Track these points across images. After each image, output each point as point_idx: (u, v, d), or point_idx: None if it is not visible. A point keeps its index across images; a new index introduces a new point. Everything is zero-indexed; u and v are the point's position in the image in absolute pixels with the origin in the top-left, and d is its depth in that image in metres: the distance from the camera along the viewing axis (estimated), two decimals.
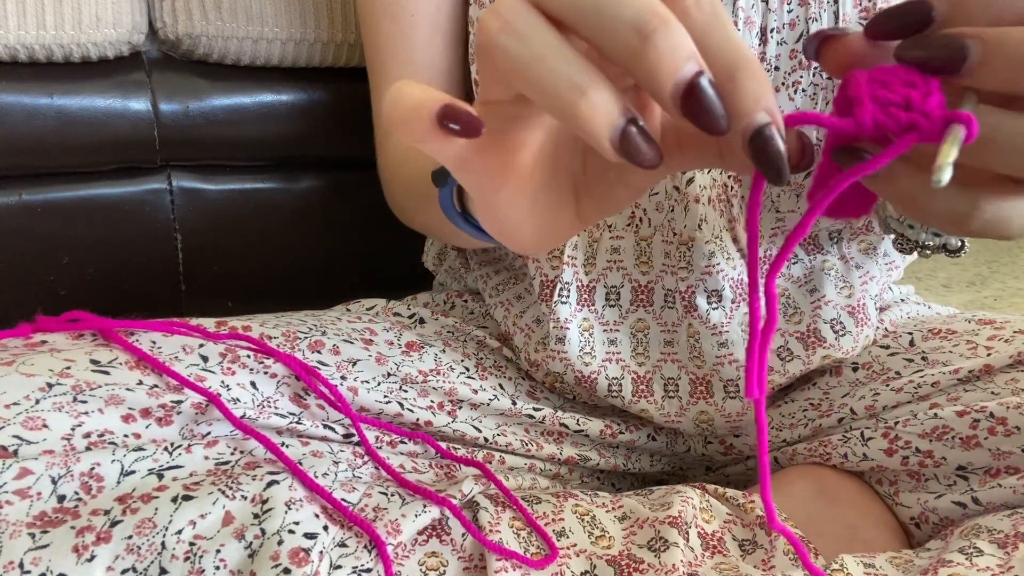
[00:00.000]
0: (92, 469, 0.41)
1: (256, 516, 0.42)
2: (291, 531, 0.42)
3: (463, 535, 0.48)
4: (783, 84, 0.57)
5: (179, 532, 0.40)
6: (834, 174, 0.31)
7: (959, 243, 0.54)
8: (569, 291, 0.62)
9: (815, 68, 0.57)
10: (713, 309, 0.59)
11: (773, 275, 0.33)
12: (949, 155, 0.28)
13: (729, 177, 0.59)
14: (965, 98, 0.31)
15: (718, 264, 0.59)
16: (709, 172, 0.58)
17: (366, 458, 0.53)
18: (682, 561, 0.48)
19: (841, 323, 0.62)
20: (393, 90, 0.30)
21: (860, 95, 0.30)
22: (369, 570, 0.43)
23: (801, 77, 0.57)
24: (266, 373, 0.52)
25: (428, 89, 0.30)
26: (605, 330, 0.63)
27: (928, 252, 0.57)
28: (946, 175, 0.28)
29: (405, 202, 0.69)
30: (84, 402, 0.44)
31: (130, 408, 0.45)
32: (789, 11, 0.56)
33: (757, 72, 0.28)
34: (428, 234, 0.70)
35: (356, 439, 0.53)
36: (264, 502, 0.43)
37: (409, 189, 0.66)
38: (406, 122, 0.29)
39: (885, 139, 0.30)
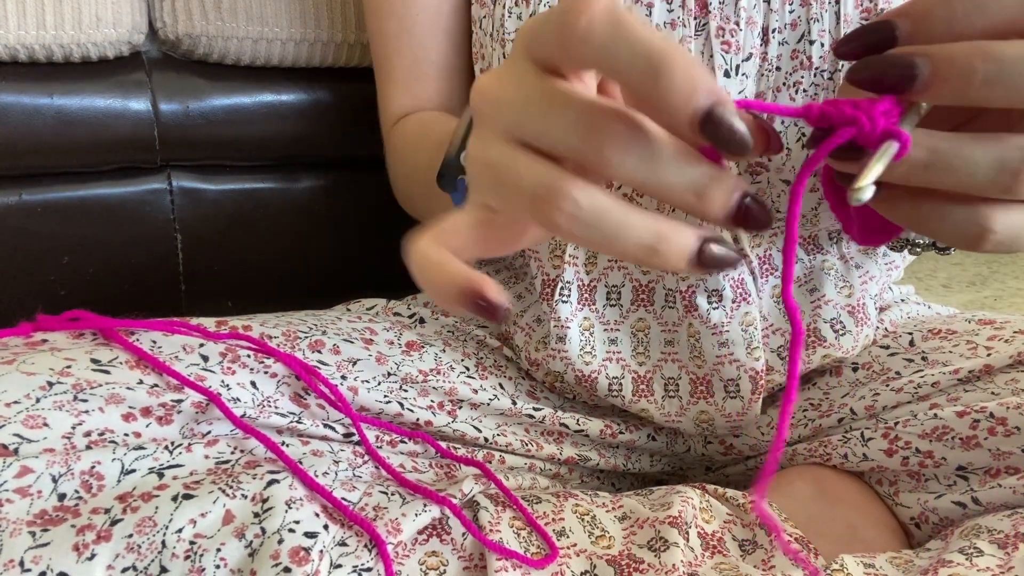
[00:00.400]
0: (92, 468, 0.41)
1: (256, 515, 0.42)
2: (291, 530, 0.42)
3: (463, 534, 0.48)
4: (784, 84, 0.57)
5: (179, 531, 0.40)
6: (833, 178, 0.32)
7: None
8: (570, 290, 0.62)
9: (816, 68, 0.57)
10: (714, 309, 0.59)
11: (788, 289, 0.33)
12: (870, 175, 0.30)
13: None
14: (907, 116, 0.32)
15: None
16: None
17: (366, 457, 0.53)
18: (682, 561, 0.48)
19: (841, 322, 0.63)
20: (418, 255, 0.32)
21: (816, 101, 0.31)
22: (369, 569, 0.43)
23: (802, 77, 0.57)
24: (266, 372, 0.52)
25: (453, 261, 0.31)
26: (606, 329, 0.63)
27: (919, 250, 0.57)
28: (866, 194, 0.30)
29: (410, 191, 0.70)
30: (84, 401, 0.44)
31: (130, 407, 0.45)
32: (791, 11, 0.56)
33: (680, 63, 0.28)
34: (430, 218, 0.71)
35: (356, 438, 0.53)
36: (264, 501, 0.43)
37: (414, 179, 0.67)
38: (436, 293, 0.31)
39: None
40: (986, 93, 0.30)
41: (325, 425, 0.52)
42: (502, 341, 0.66)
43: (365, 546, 0.44)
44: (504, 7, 0.59)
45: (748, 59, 0.56)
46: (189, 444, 0.45)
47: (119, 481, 0.42)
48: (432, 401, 0.58)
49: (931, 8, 0.31)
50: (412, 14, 0.69)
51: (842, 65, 0.56)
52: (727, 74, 0.56)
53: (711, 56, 0.56)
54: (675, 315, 0.61)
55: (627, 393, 0.62)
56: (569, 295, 0.62)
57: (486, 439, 0.59)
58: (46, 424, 0.42)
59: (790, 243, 0.32)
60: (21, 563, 0.37)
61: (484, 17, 0.62)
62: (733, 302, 0.60)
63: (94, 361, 0.47)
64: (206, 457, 0.45)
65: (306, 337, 0.56)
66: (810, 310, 0.63)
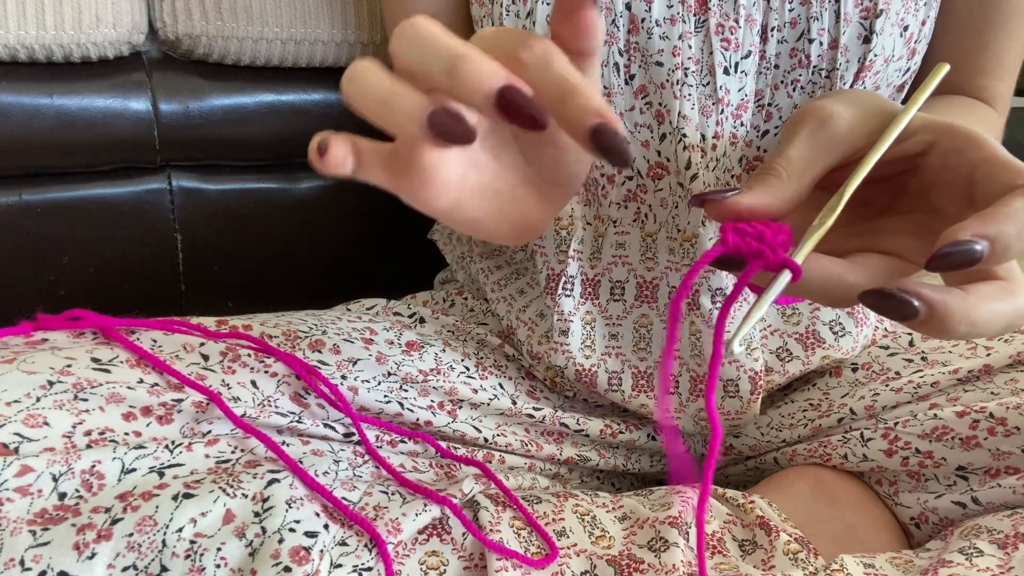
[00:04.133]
0: (93, 467, 0.41)
1: (257, 514, 0.42)
2: (292, 529, 0.42)
3: (463, 534, 0.48)
4: (782, 82, 0.58)
5: (180, 530, 0.40)
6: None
7: None
8: (573, 284, 0.62)
9: (814, 67, 0.57)
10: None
11: (711, 398, 0.38)
12: (745, 329, 0.37)
13: (733, 177, 0.60)
14: (803, 242, 0.40)
15: None
16: (713, 170, 0.58)
17: (366, 457, 0.53)
18: (682, 561, 0.48)
19: (840, 324, 0.63)
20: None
21: (725, 227, 0.39)
22: (369, 569, 0.43)
23: (800, 75, 0.57)
24: (266, 372, 0.52)
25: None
26: (607, 324, 0.63)
27: None
28: (736, 348, 0.38)
29: None
30: (85, 400, 0.44)
31: (131, 406, 0.45)
32: (791, 9, 0.56)
33: (585, 91, 0.33)
34: None
35: (356, 438, 0.53)
36: (265, 500, 0.43)
37: None
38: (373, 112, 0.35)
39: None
40: None
41: (325, 425, 0.52)
42: (502, 339, 0.66)
43: (365, 546, 0.44)
44: (502, 6, 0.59)
45: (747, 56, 0.57)
46: (189, 443, 0.45)
47: (119, 480, 0.42)
48: (432, 401, 0.58)
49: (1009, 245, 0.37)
50: (415, 12, 0.70)
51: (839, 64, 0.56)
52: (726, 71, 0.57)
53: (711, 53, 0.56)
54: None
55: (626, 388, 0.63)
56: (572, 289, 0.62)
57: (486, 439, 0.59)
58: (46, 423, 0.42)
59: (715, 358, 0.38)
60: (22, 562, 0.37)
61: (484, 17, 0.63)
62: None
63: (94, 360, 0.47)
64: (206, 456, 0.45)
65: (306, 337, 0.56)
66: (808, 312, 0.63)
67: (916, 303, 0.36)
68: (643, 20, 0.56)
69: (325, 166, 0.36)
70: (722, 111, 0.57)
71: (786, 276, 0.38)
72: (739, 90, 0.57)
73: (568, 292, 0.62)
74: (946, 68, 0.47)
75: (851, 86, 0.57)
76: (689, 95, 0.57)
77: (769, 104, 0.58)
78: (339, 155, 0.36)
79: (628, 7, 0.56)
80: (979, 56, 0.65)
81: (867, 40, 0.56)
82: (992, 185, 0.39)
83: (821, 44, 0.56)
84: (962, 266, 0.36)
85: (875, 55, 0.56)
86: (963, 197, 0.41)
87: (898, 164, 0.44)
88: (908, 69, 0.61)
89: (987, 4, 0.63)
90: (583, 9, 0.35)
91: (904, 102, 0.64)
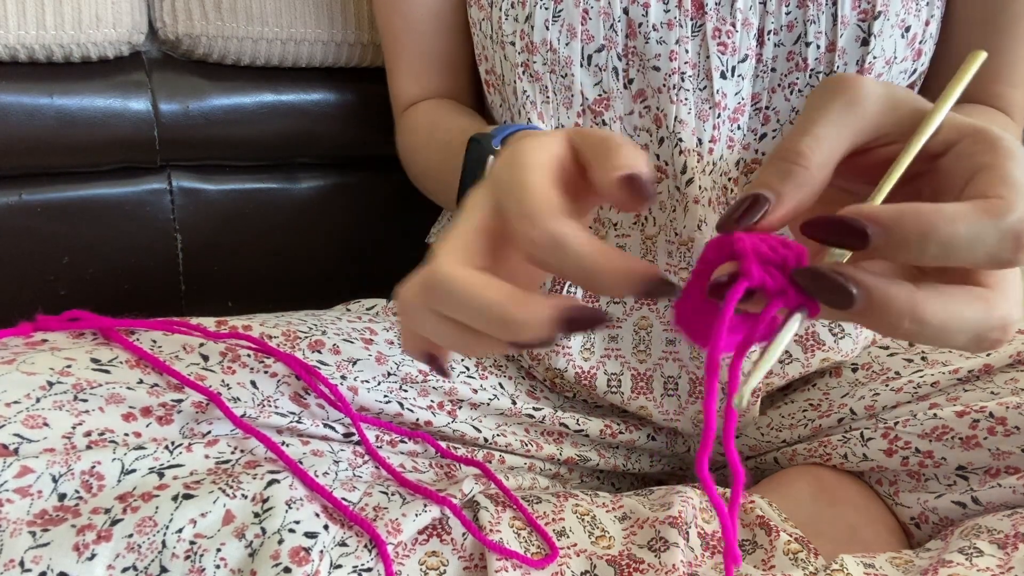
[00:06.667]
0: (93, 468, 0.41)
1: (257, 515, 0.42)
2: (291, 530, 0.42)
3: (463, 535, 0.48)
4: (779, 85, 0.58)
5: (180, 531, 0.40)
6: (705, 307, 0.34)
7: None
8: (576, 286, 0.62)
9: (811, 70, 0.57)
10: None
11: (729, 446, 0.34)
12: (755, 380, 0.32)
13: (729, 180, 0.60)
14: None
15: None
16: (710, 174, 0.58)
17: (366, 457, 0.53)
18: (682, 561, 0.48)
19: (840, 326, 0.63)
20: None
21: (746, 252, 0.33)
22: (369, 569, 0.43)
23: (797, 79, 0.57)
24: (266, 372, 0.52)
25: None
26: (607, 326, 0.63)
27: None
28: (745, 402, 0.32)
29: (425, 184, 0.73)
30: (85, 401, 0.44)
31: (131, 407, 0.45)
32: (787, 13, 0.56)
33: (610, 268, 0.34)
34: (437, 200, 0.73)
35: (356, 438, 0.53)
36: (264, 501, 0.43)
37: (428, 175, 0.70)
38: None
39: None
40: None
41: (325, 425, 0.52)
42: None
43: (365, 546, 0.44)
44: (501, 10, 0.59)
45: (744, 60, 0.57)
46: (189, 444, 0.45)
47: (119, 481, 0.42)
48: (432, 401, 0.58)
49: (909, 242, 0.32)
50: (415, 11, 0.70)
51: (837, 68, 0.56)
52: (723, 75, 0.57)
53: (707, 57, 0.56)
54: None
55: (625, 390, 0.62)
56: (575, 290, 0.62)
57: (486, 439, 0.59)
58: (46, 424, 0.42)
59: (710, 397, 0.33)
60: (21, 563, 0.37)
61: (483, 20, 0.63)
62: None
63: (94, 361, 0.47)
64: (206, 457, 0.45)
65: (306, 337, 0.56)
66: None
67: (853, 289, 0.31)
68: (640, 25, 0.56)
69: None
70: (719, 115, 0.57)
71: (798, 317, 0.33)
72: (736, 94, 0.57)
73: (570, 294, 0.62)
74: (982, 56, 0.41)
75: None
76: (686, 99, 0.57)
77: (766, 108, 0.58)
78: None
79: (626, 12, 0.56)
80: (991, 60, 0.63)
81: (865, 43, 0.56)
82: (973, 193, 0.34)
83: (818, 47, 0.56)
84: (831, 241, 0.33)
85: (874, 57, 0.56)
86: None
87: (915, 165, 0.38)
88: (915, 71, 0.60)
89: (993, 5, 0.62)
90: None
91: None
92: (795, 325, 0.33)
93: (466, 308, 0.34)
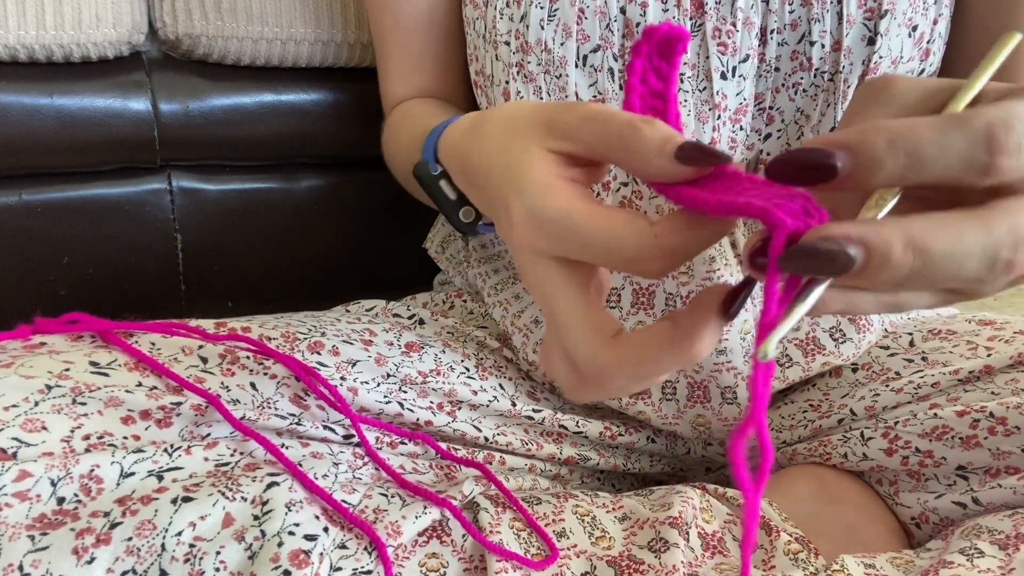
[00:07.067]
0: (91, 471, 0.41)
1: (256, 518, 0.42)
2: (291, 533, 0.42)
3: (463, 536, 0.48)
4: (783, 85, 0.57)
5: (179, 534, 0.40)
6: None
7: None
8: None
9: (816, 69, 0.56)
10: None
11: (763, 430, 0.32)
12: (786, 326, 0.30)
13: None
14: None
15: (718, 270, 0.58)
16: None
17: (366, 459, 0.53)
18: (682, 562, 0.48)
19: (841, 331, 0.62)
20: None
21: (778, 217, 0.30)
22: (369, 572, 0.43)
23: (802, 78, 0.57)
24: (266, 374, 0.52)
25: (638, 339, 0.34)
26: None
27: None
28: (771, 351, 0.30)
29: (395, 174, 0.73)
30: (83, 404, 0.44)
31: (129, 410, 0.45)
32: (791, 11, 0.55)
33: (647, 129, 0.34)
34: (422, 199, 0.72)
35: (356, 440, 0.53)
36: (264, 503, 0.43)
37: (394, 166, 0.71)
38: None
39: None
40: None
41: (325, 427, 0.52)
42: (502, 342, 0.66)
43: (365, 548, 0.44)
44: (496, 8, 0.59)
45: (745, 60, 0.56)
46: (188, 446, 0.45)
47: (118, 484, 0.42)
48: (432, 402, 0.58)
49: (877, 157, 0.30)
50: (404, 10, 0.70)
51: (842, 67, 0.56)
52: (723, 76, 0.56)
53: (707, 57, 0.56)
54: None
55: (624, 395, 0.62)
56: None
57: (486, 439, 0.59)
58: (45, 427, 0.42)
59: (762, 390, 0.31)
60: (20, 567, 0.37)
61: (477, 19, 0.62)
62: None
63: (93, 364, 0.47)
64: (206, 459, 0.45)
65: (305, 338, 0.56)
66: (808, 318, 0.62)
67: (850, 249, 0.29)
68: (638, 24, 0.56)
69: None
70: (719, 116, 0.57)
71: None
72: (737, 94, 0.57)
73: None
74: (1018, 37, 0.37)
75: (857, 88, 0.57)
76: (685, 101, 0.56)
77: (770, 107, 0.58)
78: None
79: (623, 11, 0.56)
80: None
81: (871, 42, 0.55)
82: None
83: (823, 46, 0.56)
84: (800, 179, 0.31)
85: (880, 57, 0.56)
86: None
87: None
88: (923, 71, 0.60)
89: (1006, 5, 0.61)
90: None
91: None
92: (822, 288, 0.30)
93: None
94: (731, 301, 0.33)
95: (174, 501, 0.41)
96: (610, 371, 0.35)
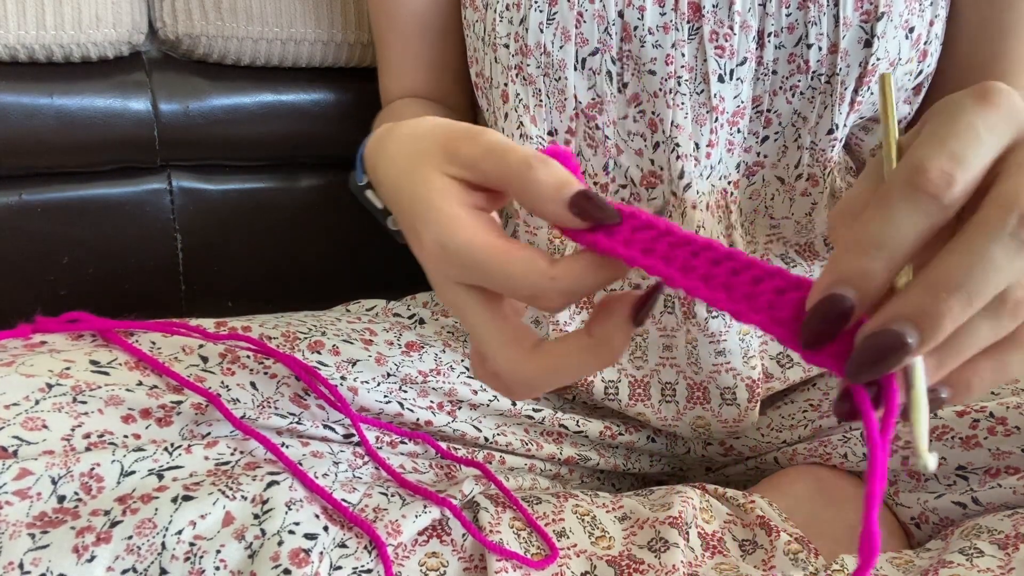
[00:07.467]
0: (92, 469, 0.41)
1: (256, 516, 0.42)
2: (291, 531, 0.42)
3: (463, 535, 0.48)
4: (781, 88, 0.57)
5: (179, 532, 0.40)
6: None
7: None
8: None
9: (813, 72, 0.56)
10: (712, 318, 0.59)
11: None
12: (923, 436, 0.28)
13: (729, 183, 0.59)
14: None
15: None
16: (708, 178, 0.58)
17: (366, 458, 0.53)
18: (682, 561, 0.48)
19: None
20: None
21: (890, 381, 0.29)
22: (369, 571, 0.43)
23: (799, 81, 0.57)
24: (266, 373, 0.52)
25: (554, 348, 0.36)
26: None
27: None
28: (932, 463, 0.28)
29: None
30: (84, 403, 0.44)
31: (130, 408, 0.45)
32: (788, 15, 0.56)
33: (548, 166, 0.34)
34: None
35: (356, 439, 0.53)
36: (264, 502, 0.43)
37: None
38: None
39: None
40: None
41: (325, 426, 0.52)
42: None
43: (365, 547, 0.44)
44: (495, 11, 0.59)
45: (743, 63, 0.56)
46: (189, 445, 0.45)
47: (119, 483, 0.42)
48: (432, 402, 0.58)
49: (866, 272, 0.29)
50: (399, 12, 0.71)
51: (840, 69, 0.56)
52: (721, 79, 0.56)
53: (704, 60, 0.56)
54: (673, 321, 0.61)
55: (623, 397, 0.62)
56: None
57: (486, 439, 0.59)
58: (45, 426, 0.42)
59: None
60: (21, 565, 0.37)
61: (477, 22, 0.62)
62: None
63: (93, 363, 0.47)
64: (206, 458, 0.45)
65: (305, 338, 0.56)
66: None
67: (908, 334, 0.28)
68: (636, 28, 0.56)
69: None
70: (716, 119, 0.57)
71: (918, 361, 0.29)
72: (735, 97, 0.57)
73: None
74: (888, 77, 0.36)
75: (855, 91, 0.57)
76: (682, 104, 0.56)
77: (768, 110, 0.58)
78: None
79: (621, 15, 0.56)
80: (999, 62, 0.62)
81: (868, 44, 0.55)
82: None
83: (820, 49, 0.56)
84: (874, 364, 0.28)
85: (878, 59, 0.56)
86: None
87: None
88: (920, 72, 0.60)
89: (999, 4, 0.61)
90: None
91: (922, 107, 0.62)
92: (919, 369, 0.29)
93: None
94: (640, 307, 0.35)
95: (174, 500, 0.41)
96: (533, 381, 0.36)
